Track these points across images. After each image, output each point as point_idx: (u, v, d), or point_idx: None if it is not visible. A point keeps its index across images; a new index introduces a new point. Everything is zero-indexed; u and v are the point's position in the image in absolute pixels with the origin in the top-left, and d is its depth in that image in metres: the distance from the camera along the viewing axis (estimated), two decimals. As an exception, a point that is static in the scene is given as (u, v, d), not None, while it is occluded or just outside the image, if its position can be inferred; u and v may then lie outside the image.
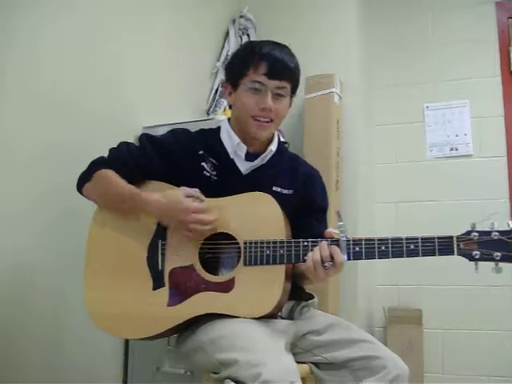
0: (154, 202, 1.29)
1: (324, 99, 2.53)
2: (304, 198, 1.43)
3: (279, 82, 1.34)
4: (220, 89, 2.50)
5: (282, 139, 1.55)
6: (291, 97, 1.42)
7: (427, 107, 2.98)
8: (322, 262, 1.20)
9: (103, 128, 1.81)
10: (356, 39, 2.81)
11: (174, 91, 2.32)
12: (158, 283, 1.29)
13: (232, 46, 2.68)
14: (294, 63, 1.39)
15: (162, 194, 1.30)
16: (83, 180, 1.36)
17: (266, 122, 1.35)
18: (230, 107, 1.50)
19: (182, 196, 1.27)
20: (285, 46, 1.40)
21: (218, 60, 2.65)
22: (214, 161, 1.39)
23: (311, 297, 1.46)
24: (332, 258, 1.20)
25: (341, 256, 1.20)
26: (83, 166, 1.38)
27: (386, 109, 3.05)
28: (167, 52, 2.27)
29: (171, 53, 2.30)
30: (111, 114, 1.89)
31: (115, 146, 1.42)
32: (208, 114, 2.49)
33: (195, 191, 1.29)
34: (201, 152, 1.39)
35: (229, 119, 1.47)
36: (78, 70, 1.73)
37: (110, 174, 1.33)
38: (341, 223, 1.22)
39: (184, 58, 2.40)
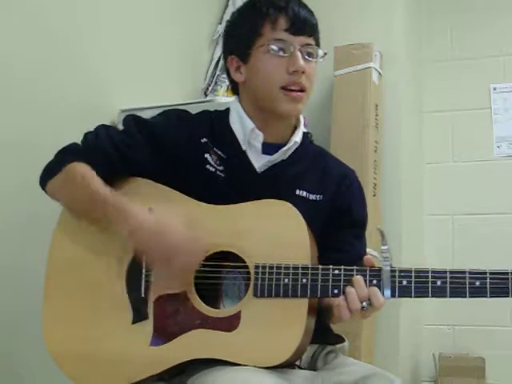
0: (138, 222, 1.25)
1: (358, 77, 2.53)
2: (337, 206, 1.43)
3: (305, 39, 1.36)
4: (221, 63, 2.52)
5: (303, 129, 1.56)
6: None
7: (494, 89, 2.99)
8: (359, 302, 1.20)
9: (69, 113, 1.83)
10: (401, -2, 2.82)
11: (161, 64, 2.32)
12: (138, 315, 1.29)
13: (239, 4, 2.70)
14: (315, 17, 1.42)
15: (151, 215, 1.25)
16: (49, 173, 1.35)
17: (299, 91, 1.36)
18: (235, 87, 1.49)
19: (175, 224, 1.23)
20: None
21: (220, 23, 2.67)
22: (220, 153, 1.39)
23: (340, 340, 1.45)
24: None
25: (380, 299, 1.19)
26: (41, 162, 1.38)
27: (440, 91, 3.05)
28: (151, 14, 2.28)
29: (157, 15, 2.31)
30: (79, 94, 1.90)
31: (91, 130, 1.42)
32: (206, 94, 2.51)
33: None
34: (204, 140, 1.40)
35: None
36: (35, 42, 1.74)
37: (83, 170, 1.30)
38: (385, 247, 1.21)
39: (174, 22, 2.41)
